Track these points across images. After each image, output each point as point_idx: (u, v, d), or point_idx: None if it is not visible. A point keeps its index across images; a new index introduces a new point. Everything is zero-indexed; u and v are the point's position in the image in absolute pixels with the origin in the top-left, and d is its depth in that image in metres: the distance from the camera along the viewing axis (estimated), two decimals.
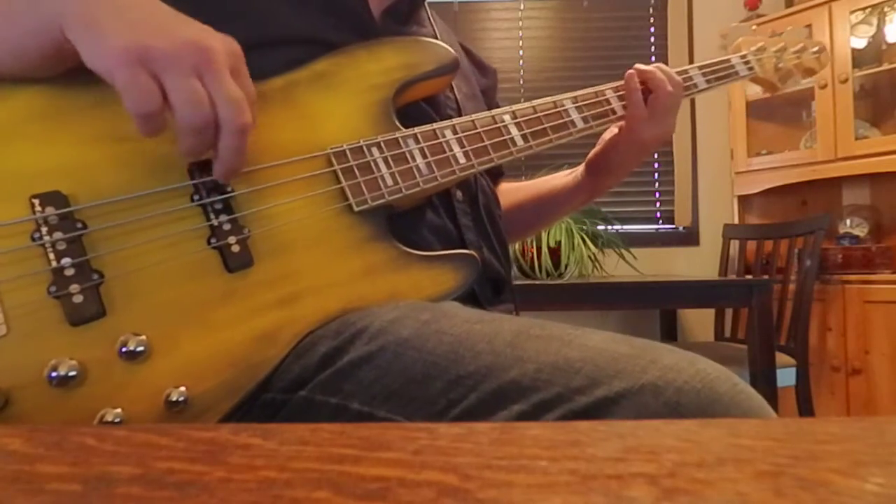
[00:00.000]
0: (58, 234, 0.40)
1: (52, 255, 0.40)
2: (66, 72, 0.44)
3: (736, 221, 2.37)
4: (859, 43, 2.19)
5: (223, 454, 0.18)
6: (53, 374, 0.38)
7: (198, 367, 0.42)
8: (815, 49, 0.85)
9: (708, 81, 0.76)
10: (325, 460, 0.18)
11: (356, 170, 0.51)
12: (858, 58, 2.14)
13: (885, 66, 2.11)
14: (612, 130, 0.73)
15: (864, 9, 2.11)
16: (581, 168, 0.78)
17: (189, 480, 0.16)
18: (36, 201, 0.41)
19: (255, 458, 0.18)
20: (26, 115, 0.43)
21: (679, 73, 0.74)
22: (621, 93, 0.69)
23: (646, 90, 0.69)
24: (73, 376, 0.38)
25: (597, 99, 0.67)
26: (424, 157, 0.54)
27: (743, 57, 0.80)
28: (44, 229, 0.40)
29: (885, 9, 2.12)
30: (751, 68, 0.80)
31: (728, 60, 0.79)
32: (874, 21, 2.18)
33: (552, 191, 0.82)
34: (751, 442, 0.19)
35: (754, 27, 0.85)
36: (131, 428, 0.22)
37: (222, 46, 0.41)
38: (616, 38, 2.53)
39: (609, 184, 0.77)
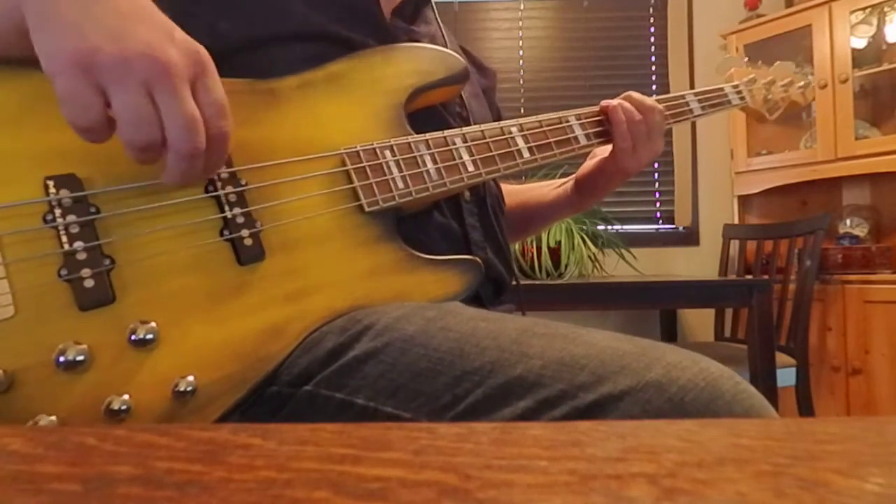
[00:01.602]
0: (71, 217, 0.40)
1: (64, 238, 0.40)
2: None
3: (736, 221, 2.37)
4: (859, 43, 2.19)
5: (223, 454, 0.18)
6: (61, 358, 0.38)
7: (206, 358, 0.42)
8: (802, 84, 0.90)
9: (703, 108, 0.79)
10: (325, 460, 0.18)
11: (368, 171, 0.52)
12: (858, 58, 2.14)
13: (885, 66, 2.11)
14: (598, 152, 0.74)
15: (864, 9, 2.10)
16: (570, 183, 0.80)
17: (189, 480, 0.16)
18: (50, 183, 0.41)
19: (255, 458, 0.18)
20: (43, 97, 0.42)
21: (676, 98, 0.76)
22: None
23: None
24: (80, 361, 0.38)
25: (599, 117, 0.69)
26: (435, 162, 0.55)
27: (735, 87, 0.85)
28: (57, 211, 0.40)
29: (885, 9, 2.12)
30: (742, 98, 0.84)
31: (722, 89, 0.83)
32: (874, 21, 2.18)
33: (541, 200, 0.83)
34: (751, 442, 0.19)
35: (745, 59, 0.89)
36: (131, 428, 0.22)
37: (181, 58, 0.38)
38: (616, 38, 2.53)
39: (594, 202, 0.81)
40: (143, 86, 0.36)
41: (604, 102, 0.69)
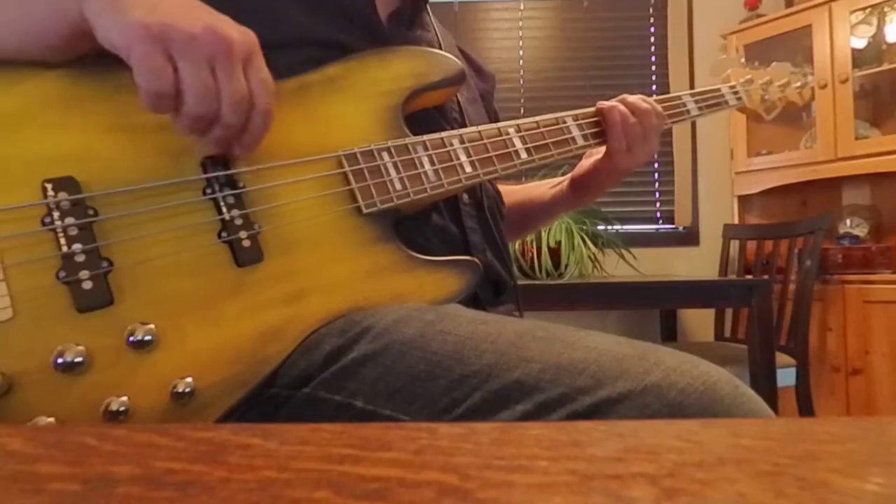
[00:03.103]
0: (69, 220, 0.40)
1: (62, 241, 0.40)
2: (82, 59, 0.44)
3: (736, 221, 2.37)
4: (859, 43, 2.19)
5: (223, 454, 0.18)
6: (59, 360, 0.38)
7: (205, 360, 0.42)
8: (799, 84, 0.90)
9: (700, 108, 0.79)
10: (325, 460, 0.18)
11: (366, 173, 0.52)
12: (858, 58, 2.14)
13: (885, 66, 2.11)
14: (594, 152, 0.74)
15: (864, 9, 2.10)
16: (566, 182, 0.81)
17: (189, 480, 0.16)
18: (49, 186, 0.41)
19: (255, 458, 0.18)
20: (42, 100, 0.43)
21: (673, 98, 0.76)
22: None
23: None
24: (79, 363, 0.38)
25: (595, 118, 0.69)
26: (432, 164, 0.55)
27: (732, 87, 0.85)
28: (55, 214, 0.40)
29: (885, 9, 2.12)
30: (739, 98, 0.85)
31: (719, 90, 0.83)
32: (874, 21, 2.18)
33: (537, 199, 0.84)
34: (751, 442, 0.19)
35: (742, 60, 0.90)
36: (131, 428, 0.22)
37: (240, 37, 0.42)
38: (616, 38, 2.53)
39: (589, 201, 0.82)
40: (208, 60, 0.40)
41: (600, 104, 0.69)
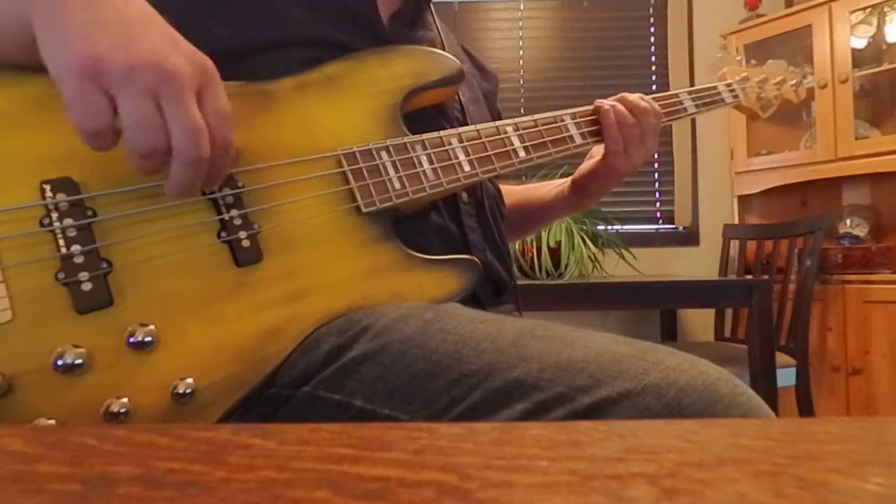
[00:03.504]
0: (68, 221, 0.40)
1: (61, 242, 0.40)
2: None
3: (736, 221, 2.37)
4: (859, 43, 2.19)
5: (223, 454, 0.18)
6: (59, 361, 0.38)
7: (205, 360, 0.42)
8: (794, 82, 0.90)
9: (696, 106, 0.79)
10: (325, 460, 0.18)
11: (365, 172, 0.52)
12: (858, 58, 2.14)
13: (885, 66, 2.11)
14: (595, 152, 0.74)
15: (864, 9, 2.10)
16: (567, 183, 0.80)
17: (189, 480, 0.16)
18: (47, 187, 0.41)
19: (255, 458, 0.18)
20: (39, 100, 0.43)
21: (669, 96, 0.76)
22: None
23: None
24: (79, 364, 0.38)
25: (594, 116, 0.69)
26: (431, 163, 0.55)
27: (728, 85, 0.85)
28: (54, 215, 0.40)
29: (885, 9, 2.12)
30: (735, 96, 0.85)
31: (715, 87, 0.83)
32: (874, 21, 2.18)
33: (540, 200, 0.84)
34: (751, 442, 0.19)
35: (739, 58, 0.90)
36: (131, 428, 0.22)
37: (188, 67, 0.38)
38: (616, 38, 2.53)
39: (590, 203, 0.81)
40: (149, 93, 0.37)
41: (597, 102, 0.69)
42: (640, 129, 0.68)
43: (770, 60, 0.90)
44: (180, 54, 0.38)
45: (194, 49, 0.40)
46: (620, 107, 0.68)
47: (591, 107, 0.69)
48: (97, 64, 0.36)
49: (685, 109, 0.77)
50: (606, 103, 0.69)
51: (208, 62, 0.40)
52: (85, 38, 0.36)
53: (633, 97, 0.69)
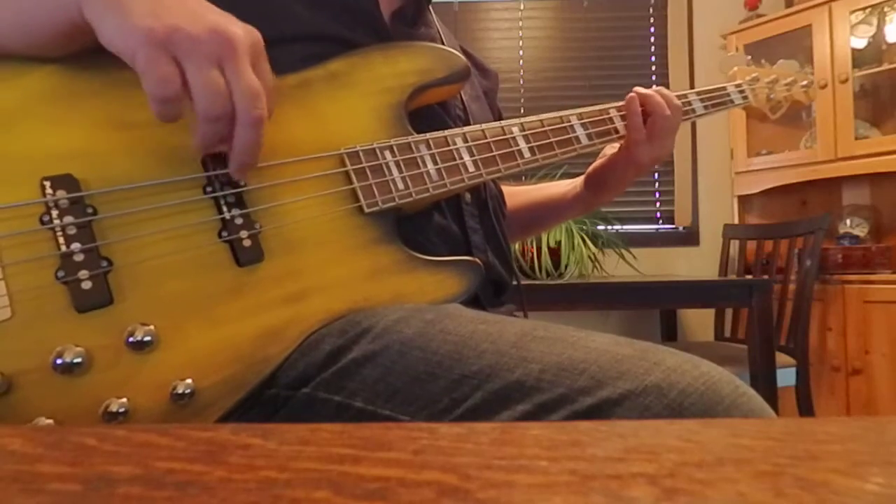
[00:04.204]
0: (68, 219, 0.40)
1: (61, 240, 0.40)
2: (79, 53, 0.43)
3: (736, 221, 2.37)
4: (859, 43, 2.19)
5: (223, 454, 0.18)
6: (58, 360, 0.38)
7: (204, 360, 0.42)
8: (805, 83, 0.89)
9: (706, 107, 0.78)
10: (325, 460, 0.18)
11: (368, 172, 0.51)
12: (858, 58, 2.14)
13: (885, 66, 2.11)
14: (613, 147, 0.73)
15: (864, 9, 2.10)
16: (580, 180, 0.79)
17: (189, 480, 0.16)
18: (47, 184, 0.40)
19: (255, 458, 0.18)
20: (39, 96, 0.42)
21: (678, 96, 0.75)
22: (623, 112, 0.70)
23: (644, 113, 0.69)
24: (78, 363, 0.38)
25: (601, 117, 0.69)
26: (435, 163, 0.55)
27: (738, 86, 0.84)
28: (54, 213, 0.40)
29: (885, 9, 2.12)
30: (745, 97, 0.84)
31: (724, 88, 0.82)
32: (874, 21, 2.18)
33: (549, 199, 0.83)
34: (751, 442, 0.19)
35: (749, 58, 0.89)
36: (131, 428, 0.22)
37: (245, 36, 0.41)
38: (616, 38, 2.53)
39: (606, 199, 0.79)
40: (214, 60, 0.40)
41: (637, 89, 0.69)
42: (671, 122, 0.68)
43: (781, 60, 0.89)
44: (238, 26, 0.41)
45: (245, 24, 0.43)
46: (658, 98, 0.68)
47: (598, 107, 0.69)
48: (167, 34, 0.38)
49: (693, 110, 0.76)
50: (646, 91, 0.69)
51: (258, 35, 0.43)
52: (152, 15, 0.39)
53: (669, 92, 0.70)
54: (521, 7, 2.55)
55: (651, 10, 2.53)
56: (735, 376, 0.37)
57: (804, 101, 0.90)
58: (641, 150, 0.69)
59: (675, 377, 0.35)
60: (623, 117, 0.69)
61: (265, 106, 0.41)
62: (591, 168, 0.77)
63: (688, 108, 0.76)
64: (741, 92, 0.83)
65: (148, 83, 0.38)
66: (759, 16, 2.33)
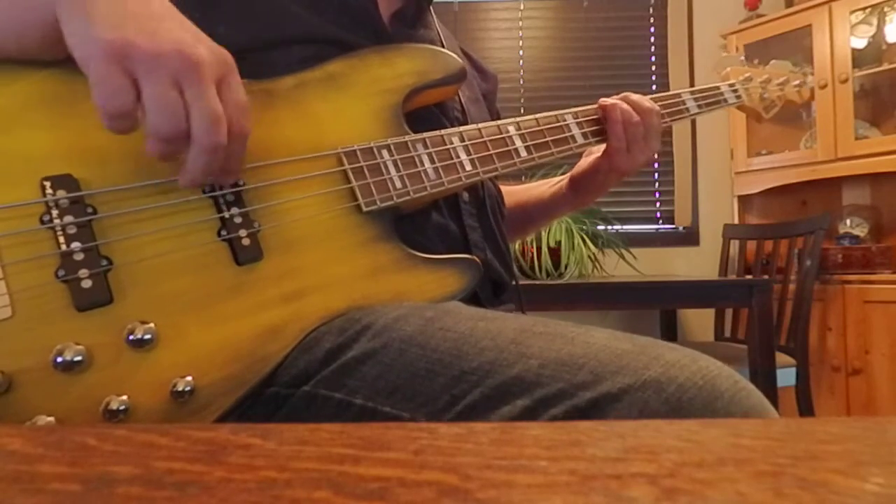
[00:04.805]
0: (68, 218, 0.40)
1: (61, 239, 0.40)
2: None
3: (736, 221, 2.37)
4: (859, 43, 2.19)
5: (223, 454, 0.18)
6: (59, 358, 0.38)
7: (204, 359, 0.42)
8: (798, 82, 0.90)
9: (699, 106, 0.79)
10: (325, 460, 0.18)
11: (366, 171, 0.52)
12: (858, 58, 2.14)
13: (885, 66, 2.11)
14: (594, 150, 0.73)
15: (864, 9, 2.10)
16: (565, 181, 0.80)
17: (189, 480, 0.16)
18: (47, 184, 0.41)
19: (255, 458, 0.18)
20: (40, 98, 0.43)
21: (672, 96, 0.75)
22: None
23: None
24: (78, 362, 0.38)
25: (596, 116, 0.69)
26: (432, 162, 0.55)
27: (731, 85, 0.84)
28: (54, 212, 0.40)
29: (885, 9, 2.12)
30: (738, 96, 0.84)
31: (718, 87, 0.83)
32: (874, 21, 2.18)
33: (538, 199, 0.83)
34: (751, 442, 0.19)
35: (742, 58, 0.89)
36: (131, 428, 0.22)
37: (210, 57, 0.40)
38: (616, 38, 2.53)
39: (589, 201, 0.80)
40: (173, 79, 0.38)
41: (602, 100, 0.69)
42: (643, 127, 0.68)
43: (773, 60, 0.90)
44: (203, 45, 0.40)
45: (214, 43, 0.42)
46: (625, 104, 0.68)
47: (593, 106, 0.69)
48: (125, 48, 0.38)
49: (687, 109, 0.77)
50: (610, 100, 0.69)
51: (228, 55, 0.42)
52: (113, 25, 0.38)
53: (637, 96, 0.69)
54: (521, 7, 2.55)
55: (651, 10, 2.53)
56: (734, 371, 0.37)
57: (797, 100, 0.91)
58: (621, 157, 0.69)
59: (673, 372, 0.35)
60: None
61: (223, 131, 0.40)
62: (575, 170, 0.77)
63: (681, 107, 0.76)
64: (734, 91, 0.84)
65: (97, 95, 0.37)
66: (759, 16, 2.33)
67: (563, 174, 0.83)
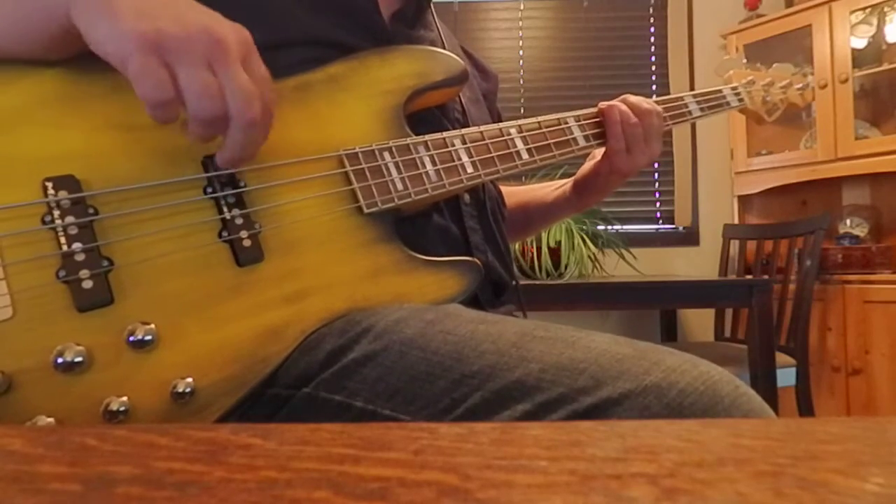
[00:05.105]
0: (69, 219, 0.40)
1: (63, 240, 0.40)
2: (80, 56, 0.43)
3: (736, 221, 2.37)
4: (859, 43, 2.19)
5: (223, 454, 0.18)
6: (59, 359, 0.38)
7: (205, 360, 0.42)
8: (800, 85, 0.90)
9: (702, 109, 0.79)
10: (325, 460, 0.18)
11: (367, 172, 0.52)
12: (858, 58, 2.14)
13: (885, 66, 2.11)
14: (597, 153, 0.74)
15: (864, 9, 2.10)
16: (569, 184, 0.80)
17: (189, 480, 0.16)
18: (49, 184, 0.41)
19: (255, 458, 0.18)
20: (41, 99, 0.43)
21: (675, 99, 0.76)
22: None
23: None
24: (79, 362, 0.38)
25: (597, 119, 0.69)
26: (434, 164, 0.55)
27: (734, 88, 0.84)
28: (56, 213, 0.40)
29: (885, 9, 2.12)
30: (741, 100, 0.84)
31: (720, 91, 0.83)
32: (874, 21, 2.18)
33: (541, 201, 0.83)
34: (751, 442, 0.19)
35: (744, 61, 0.89)
36: (131, 428, 0.22)
37: (234, 36, 0.41)
38: (616, 38, 2.53)
39: (592, 202, 0.80)
40: (205, 61, 0.39)
41: (601, 103, 0.69)
42: (642, 129, 0.68)
43: (776, 64, 0.90)
44: (225, 25, 0.41)
45: (232, 22, 0.42)
46: (623, 106, 0.68)
47: (595, 109, 0.69)
48: (157, 38, 0.38)
49: (690, 113, 0.77)
50: (609, 102, 0.69)
51: (247, 32, 0.43)
52: (140, 18, 0.38)
53: (637, 98, 0.69)
54: (521, 7, 2.55)
55: (651, 11, 2.53)
56: (734, 376, 0.37)
57: (800, 103, 0.91)
58: (621, 158, 0.69)
59: (674, 377, 0.35)
60: None
61: (259, 106, 0.41)
62: (579, 173, 0.77)
63: (683, 110, 0.76)
64: (737, 95, 0.84)
65: (142, 89, 0.38)
66: (759, 16, 2.33)
67: (562, 176, 0.83)
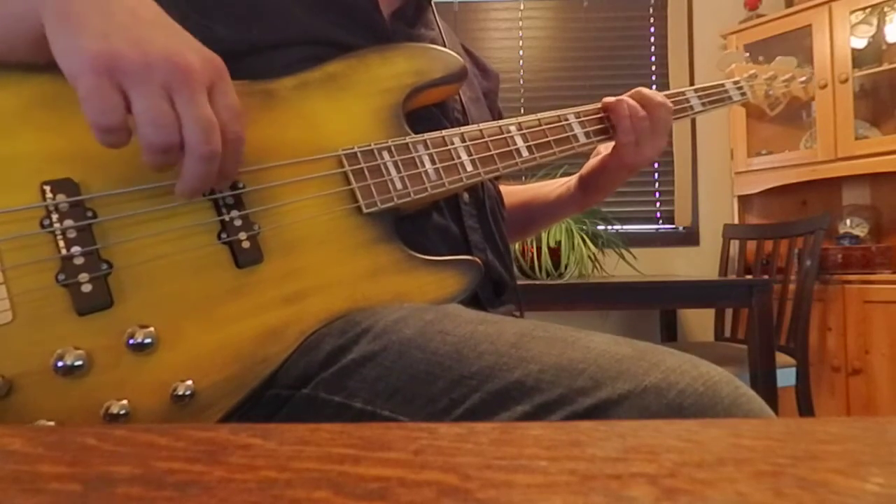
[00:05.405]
0: (68, 222, 0.40)
1: (61, 243, 0.40)
2: None
3: (736, 221, 2.37)
4: (859, 43, 2.19)
5: (223, 454, 0.18)
6: (59, 363, 0.38)
7: (205, 361, 0.42)
8: (803, 78, 0.89)
9: (703, 104, 0.78)
10: (325, 460, 0.18)
11: (366, 172, 0.52)
12: (858, 58, 2.14)
13: (885, 66, 2.11)
14: (607, 146, 0.73)
15: (864, 9, 2.10)
16: (573, 180, 0.79)
17: (189, 480, 0.16)
18: (47, 188, 0.41)
19: (255, 458, 0.18)
20: (39, 102, 0.43)
21: (676, 94, 0.75)
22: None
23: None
24: (79, 366, 0.38)
25: (598, 115, 0.69)
26: (433, 162, 0.55)
27: (736, 83, 0.84)
28: (54, 216, 0.40)
29: (885, 9, 2.12)
30: (743, 94, 0.84)
31: (722, 85, 0.82)
32: (874, 21, 2.18)
33: (544, 199, 0.83)
34: (751, 442, 0.19)
35: (747, 55, 0.88)
36: (131, 428, 0.22)
37: (200, 63, 0.39)
38: (616, 38, 2.53)
39: (598, 199, 0.80)
40: (163, 89, 0.38)
41: (605, 100, 0.69)
42: (650, 122, 0.68)
43: (779, 57, 0.89)
44: (192, 52, 0.39)
45: (205, 48, 0.41)
46: (630, 100, 0.68)
47: (595, 105, 0.69)
48: (113, 61, 0.37)
49: (691, 107, 0.76)
50: (614, 98, 0.68)
51: (218, 59, 0.41)
52: (100, 37, 0.37)
53: (650, 91, 0.69)
54: (521, 7, 2.55)
55: (651, 10, 2.53)
56: (734, 377, 0.37)
57: (802, 96, 0.90)
58: (629, 151, 0.68)
59: (674, 377, 0.35)
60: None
61: (217, 138, 0.39)
62: (584, 169, 0.77)
63: (685, 104, 0.76)
64: (739, 89, 0.83)
65: (87, 111, 0.37)
66: (759, 16, 2.33)
67: (563, 174, 0.82)
